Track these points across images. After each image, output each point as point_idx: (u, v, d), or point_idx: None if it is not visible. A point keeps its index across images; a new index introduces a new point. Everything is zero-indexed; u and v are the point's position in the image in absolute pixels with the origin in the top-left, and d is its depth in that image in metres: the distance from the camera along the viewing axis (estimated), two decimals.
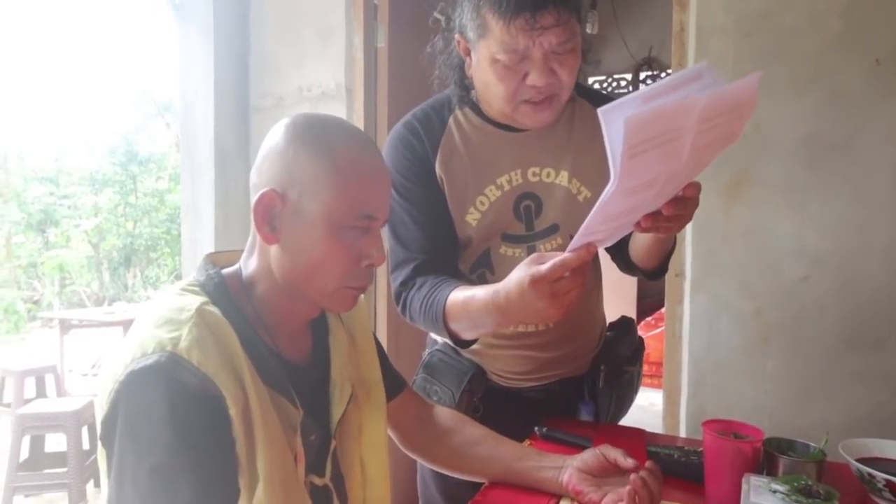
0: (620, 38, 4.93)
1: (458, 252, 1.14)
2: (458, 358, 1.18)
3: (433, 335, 1.25)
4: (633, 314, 4.95)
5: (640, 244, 1.05)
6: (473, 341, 1.05)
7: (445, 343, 1.17)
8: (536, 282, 0.79)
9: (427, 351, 1.24)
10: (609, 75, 5.24)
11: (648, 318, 4.65)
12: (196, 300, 0.72)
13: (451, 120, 1.12)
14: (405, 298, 1.08)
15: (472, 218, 1.10)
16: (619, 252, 1.15)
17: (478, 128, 1.11)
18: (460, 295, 0.96)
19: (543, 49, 0.95)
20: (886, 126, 1.61)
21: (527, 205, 1.11)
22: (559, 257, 0.79)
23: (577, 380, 1.24)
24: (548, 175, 1.11)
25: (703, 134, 0.71)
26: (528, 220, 1.11)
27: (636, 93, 0.68)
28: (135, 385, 0.65)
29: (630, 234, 1.06)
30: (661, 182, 0.76)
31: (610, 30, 4.88)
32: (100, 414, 0.67)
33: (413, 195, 1.09)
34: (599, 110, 0.66)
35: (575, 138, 1.12)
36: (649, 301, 4.93)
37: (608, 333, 1.29)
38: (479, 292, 0.92)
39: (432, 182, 1.10)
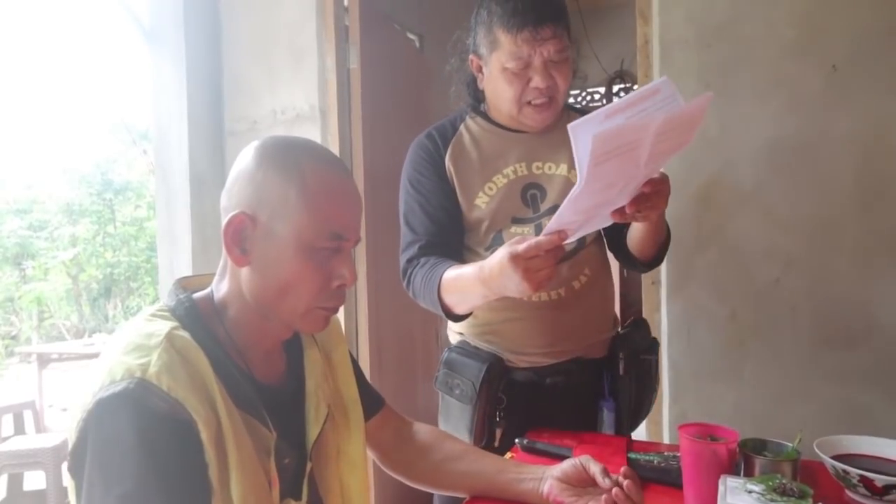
0: (592, 53, 5.02)
1: (462, 238, 1.28)
2: (475, 351, 1.27)
3: (450, 338, 1.37)
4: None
5: (636, 236, 1.20)
6: (466, 316, 1.19)
7: (464, 340, 1.30)
8: (514, 258, 0.92)
9: (445, 349, 1.33)
10: (583, 89, 5.33)
11: None
12: (165, 325, 0.71)
13: (462, 126, 1.31)
14: (410, 274, 1.21)
15: (482, 201, 1.25)
16: (620, 248, 1.29)
17: (487, 130, 1.29)
18: (454, 271, 1.11)
19: (543, 57, 1.16)
20: (845, 128, 1.66)
21: (532, 193, 1.25)
22: (534, 240, 0.92)
23: (594, 364, 1.28)
24: (549, 168, 1.26)
25: (659, 144, 0.81)
26: (535, 205, 1.25)
27: (600, 110, 0.79)
28: (103, 413, 0.64)
29: (627, 231, 1.24)
30: (622, 183, 0.88)
31: (581, 45, 4.95)
32: (69, 444, 0.67)
33: (424, 187, 1.26)
34: (569, 126, 0.79)
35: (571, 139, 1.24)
36: (634, 310, 4.95)
37: (622, 330, 1.36)
38: (469, 268, 1.07)
39: (442, 176, 1.26)
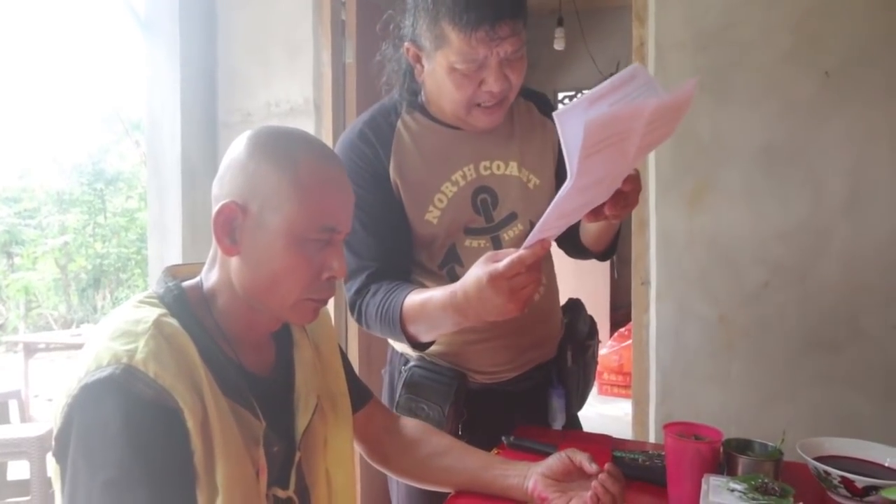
0: (588, 54, 5.04)
1: (411, 255, 1.16)
2: (438, 370, 1.16)
3: (398, 349, 1.25)
4: (606, 325, 5.00)
5: (592, 229, 1.11)
6: (430, 344, 1.07)
7: (421, 357, 1.18)
8: (495, 279, 0.83)
9: (404, 367, 1.20)
10: (578, 90, 5.35)
11: (622, 329, 4.69)
12: (154, 312, 0.71)
13: (399, 124, 1.14)
14: (360, 305, 1.09)
15: (433, 216, 1.12)
16: (568, 238, 1.19)
17: (426, 128, 1.14)
18: (417, 297, 0.98)
19: (500, 57, 1.01)
20: (838, 135, 1.67)
21: (483, 198, 1.14)
22: (516, 254, 0.82)
23: (548, 365, 1.26)
24: (498, 167, 1.15)
25: (647, 135, 0.76)
26: (487, 213, 1.14)
27: (583, 97, 0.72)
28: (88, 398, 0.64)
29: (579, 222, 1.10)
30: (609, 179, 0.81)
31: (577, 46, 4.98)
32: (54, 430, 0.66)
33: (364, 201, 1.08)
34: (555, 114, 0.71)
35: (517, 131, 1.18)
36: (622, 312, 4.98)
37: (565, 319, 1.32)
38: (437, 293, 0.95)
39: (385, 188, 1.11)
